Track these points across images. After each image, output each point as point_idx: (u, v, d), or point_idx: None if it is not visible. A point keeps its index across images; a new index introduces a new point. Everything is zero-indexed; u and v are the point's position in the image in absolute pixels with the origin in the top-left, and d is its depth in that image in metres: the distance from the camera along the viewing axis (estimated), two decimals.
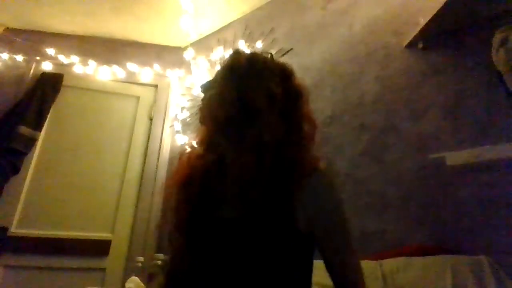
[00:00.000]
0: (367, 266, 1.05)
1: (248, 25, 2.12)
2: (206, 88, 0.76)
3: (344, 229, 0.65)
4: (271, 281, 0.59)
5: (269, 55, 0.75)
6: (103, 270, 1.83)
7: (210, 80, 0.77)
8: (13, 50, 2.21)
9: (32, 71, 2.18)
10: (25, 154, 1.91)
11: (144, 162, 2.12)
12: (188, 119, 2.19)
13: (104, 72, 2.29)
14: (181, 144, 2.14)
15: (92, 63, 2.28)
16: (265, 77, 0.68)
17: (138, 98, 2.28)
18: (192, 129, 2.12)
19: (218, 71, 0.76)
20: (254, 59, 0.72)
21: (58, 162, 2.01)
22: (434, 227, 1.12)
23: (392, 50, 1.44)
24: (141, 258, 1.65)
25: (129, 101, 2.26)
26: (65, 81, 2.16)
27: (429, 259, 0.98)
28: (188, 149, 2.03)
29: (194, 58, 2.23)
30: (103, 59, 2.32)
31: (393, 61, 1.42)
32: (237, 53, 0.74)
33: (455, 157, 1.09)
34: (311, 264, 0.67)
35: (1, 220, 1.80)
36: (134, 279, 1.57)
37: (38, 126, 1.98)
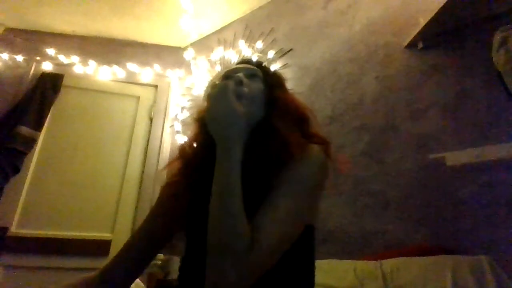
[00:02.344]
0: (367, 266, 1.05)
1: (248, 25, 2.12)
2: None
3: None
4: (275, 273, 0.58)
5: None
6: None
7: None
8: (13, 50, 2.22)
9: (32, 71, 2.18)
10: (25, 154, 1.92)
11: (144, 162, 2.12)
12: (188, 119, 2.19)
13: (104, 72, 2.30)
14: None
15: (92, 63, 2.29)
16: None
17: (138, 98, 2.28)
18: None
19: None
20: None
21: (58, 162, 2.01)
22: (434, 227, 1.12)
23: (392, 50, 1.44)
24: None
25: (129, 101, 2.26)
26: (65, 81, 2.16)
27: (429, 259, 0.97)
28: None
29: (194, 58, 2.23)
30: (103, 59, 2.32)
31: (393, 61, 1.42)
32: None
33: (455, 157, 1.09)
34: (313, 256, 0.68)
35: (1, 220, 1.80)
36: None
37: (38, 126, 1.98)
